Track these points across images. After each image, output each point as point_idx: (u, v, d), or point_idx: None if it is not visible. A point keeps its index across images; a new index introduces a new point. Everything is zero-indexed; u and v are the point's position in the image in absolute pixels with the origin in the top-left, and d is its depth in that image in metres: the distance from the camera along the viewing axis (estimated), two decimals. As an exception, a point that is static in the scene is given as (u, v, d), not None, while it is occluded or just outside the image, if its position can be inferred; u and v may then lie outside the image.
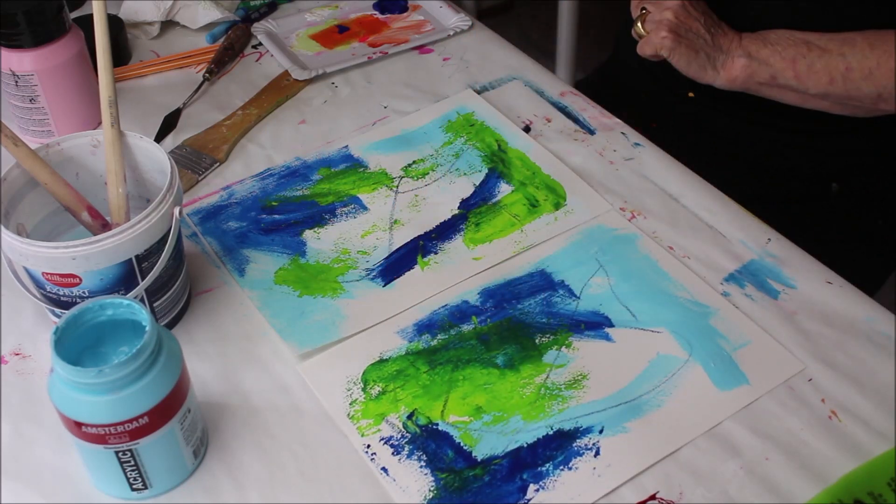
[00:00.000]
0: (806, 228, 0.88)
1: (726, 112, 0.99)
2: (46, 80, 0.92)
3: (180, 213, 0.72)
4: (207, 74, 1.04)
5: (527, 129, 0.97)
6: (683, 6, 0.92)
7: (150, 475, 0.65)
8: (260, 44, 1.11)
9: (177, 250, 0.74)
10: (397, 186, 0.91)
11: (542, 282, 0.81)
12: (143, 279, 0.71)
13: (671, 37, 0.92)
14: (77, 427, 0.61)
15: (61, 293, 0.70)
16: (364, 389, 0.73)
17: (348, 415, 0.71)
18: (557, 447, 0.68)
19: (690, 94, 1.02)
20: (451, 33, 1.10)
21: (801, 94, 0.92)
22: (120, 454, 0.62)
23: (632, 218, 0.87)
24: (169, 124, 0.98)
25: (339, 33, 1.12)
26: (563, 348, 0.75)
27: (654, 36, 0.93)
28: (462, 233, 0.86)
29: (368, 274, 0.82)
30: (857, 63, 0.89)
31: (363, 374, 0.74)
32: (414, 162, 0.93)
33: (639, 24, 0.94)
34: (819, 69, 0.90)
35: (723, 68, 0.92)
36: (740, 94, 0.95)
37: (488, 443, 0.69)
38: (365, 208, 0.89)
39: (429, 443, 0.69)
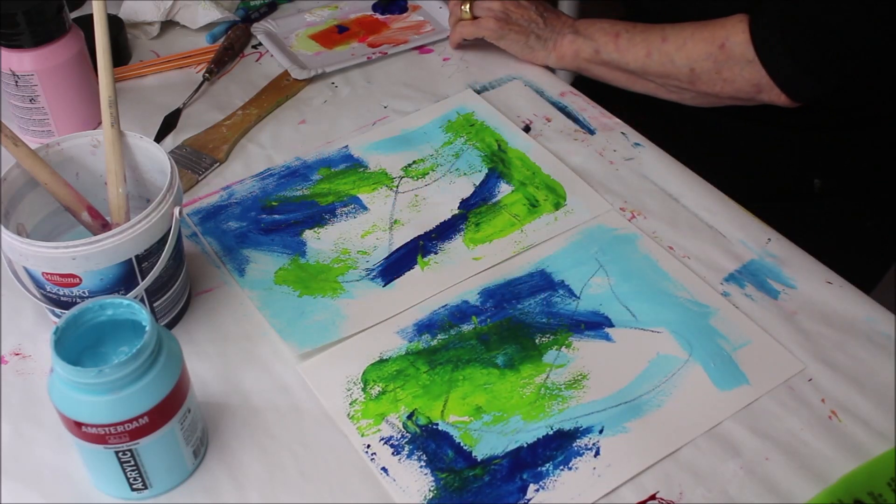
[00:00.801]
0: (800, 229, 0.88)
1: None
2: (46, 80, 0.92)
3: (180, 213, 0.72)
4: (207, 74, 1.04)
5: (527, 129, 0.97)
6: None
7: (150, 475, 0.65)
8: (260, 44, 1.11)
9: (177, 250, 0.74)
10: (397, 186, 0.91)
11: (542, 282, 0.81)
12: (143, 279, 0.71)
13: (498, 25, 0.99)
14: (77, 427, 0.61)
15: (61, 293, 0.70)
16: (364, 389, 0.73)
17: (348, 415, 0.71)
18: (557, 447, 0.68)
19: None
20: (451, 33, 1.10)
21: (626, 73, 0.96)
22: (120, 454, 0.62)
23: (632, 218, 0.87)
24: (169, 124, 0.98)
25: (338, 33, 1.12)
26: (563, 348, 0.75)
27: (483, 22, 1.00)
28: (462, 233, 0.86)
29: (368, 274, 0.82)
30: (672, 34, 0.91)
31: (363, 374, 0.74)
32: (414, 162, 0.93)
33: (466, 7, 1.00)
34: (638, 42, 0.93)
35: (553, 48, 0.98)
36: None
37: (488, 443, 0.69)
38: (365, 208, 0.89)
39: (429, 443, 0.69)
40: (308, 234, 0.86)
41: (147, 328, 0.61)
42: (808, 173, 1.02)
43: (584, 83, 1.22)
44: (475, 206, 0.88)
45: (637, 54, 0.93)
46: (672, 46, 0.91)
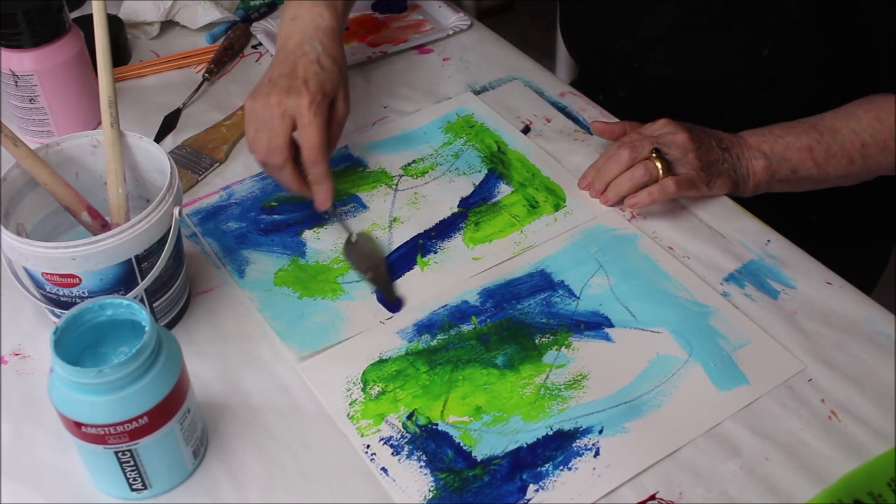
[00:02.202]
0: (802, 235, 0.88)
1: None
2: (46, 80, 0.92)
3: (180, 213, 0.72)
4: (207, 74, 1.04)
5: (526, 129, 0.97)
6: (692, 135, 0.86)
7: (149, 475, 0.65)
8: (260, 44, 1.11)
9: (176, 250, 0.74)
10: (396, 184, 0.91)
11: (541, 282, 0.81)
12: (142, 279, 0.71)
13: (705, 174, 0.85)
14: (77, 427, 0.61)
15: (61, 293, 0.70)
16: (364, 389, 0.73)
17: (348, 415, 0.71)
18: (557, 447, 0.68)
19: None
20: (451, 32, 1.10)
21: (819, 181, 0.89)
22: (120, 454, 0.62)
23: (632, 218, 0.87)
24: (169, 124, 0.98)
25: (338, 33, 1.12)
26: (563, 348, 0.75)
27: (692, 177, 0.84)
28: (462, 232, 0.86)
29: (368, 274, 0.82)
30: (870, 138, 0.86)
31: (363, 374, 0.74)
32: (413, 161, 0.93)
33: (660, 165, 0.84)
34: (836, 152, 0.86)
35: (748, 177, 0.87)
36: (724, 111, 0.93)
37: (488, 443, 0.69)
38: (364, 207, 0.89)
39: (428, 443, 0.69)
40: (308, 234, 0.86)
41: (147, 328, 0.61)
42: (803, 210, 1.01)
43: (584, 83, 1.22)
44: (475, 205, 0.88)
45: (839, 164, 0.87)
46: (874, 150, 0.86)
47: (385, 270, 0.82)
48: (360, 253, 0.83)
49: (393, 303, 0.79)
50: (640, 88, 1.02)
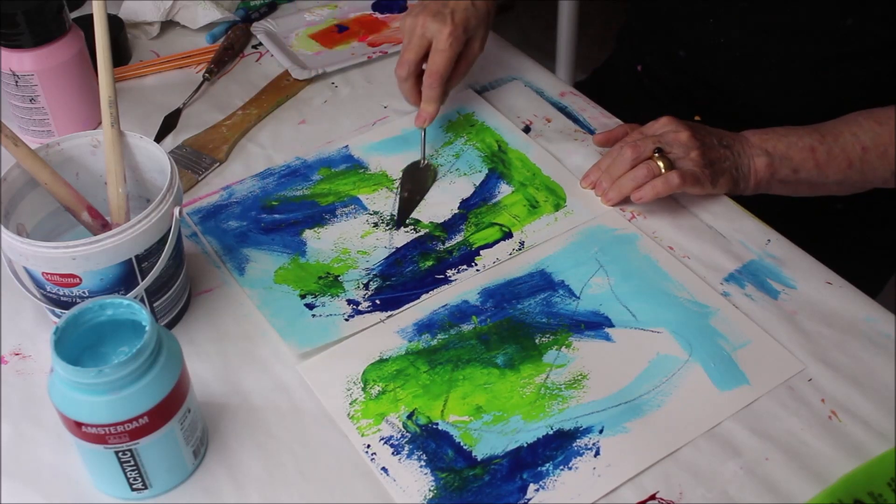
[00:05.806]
0: (806, 238, 0.87)
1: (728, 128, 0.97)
2: (46, 80, 0.92)
3: (180, 213, 0.72)
4: (207, 74, 1.04)
5: (527, 129, 0.97)
6: (693, 133, 0.86)
7: (150, 475, 0.65)
8: (260, 44, 1.11)
9: (177, 250, 0.74)
10: (398, 187, 0.91)
11: (542, 282, 0.81)
12: (143, 279, 0.71)
13: (709, 171, 0.85)
14: (77, 427, 0.61)
15: (61, 293, 0.70)
16: (364, 389, 0.73)
17: (348, 415, 0.71)
18: (557, 447, 0.68)
19: (697, 118, 0.99)
20: (451, 33, 1.10)
21: (817, 185, 0.89)
22: (120, 454, 0.62)
23: (632, 218, 0.87)
24: (169, 124, 0.98)
25: (338, 33, 1.12)
26: (563, 348, 0.75)
27: (696, 173, 0.84)
28: (462, 233, 0.86)
29: (368, 274, 0.82)
30: (870, 142, 0.86)
31: (363, 373, 0.74)
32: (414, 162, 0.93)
33: (661, 163, 0.84)
34: (837, 154, 0.86)
35: (749, 175, 0.87)
36: (747, 117, 0.92)
37: (488, 442, 0.69)
38: (365, 209, 0.89)
39: (429, 442, 0.69)
40: (308, 234, 0.86)
41: (147, 328, 0.61)
42: (810, 212, 1.00)
43: (584, 83, 1.23)
44: (475, 206, 0.88)
45: (839, 167, 0.87)
46: (873, 154, 0.86)
47: (417, 201, 0.89)
48: (414, 177, 0.91)
49: (400, 222, 0.87)
50: (705, 51, 0.99)
